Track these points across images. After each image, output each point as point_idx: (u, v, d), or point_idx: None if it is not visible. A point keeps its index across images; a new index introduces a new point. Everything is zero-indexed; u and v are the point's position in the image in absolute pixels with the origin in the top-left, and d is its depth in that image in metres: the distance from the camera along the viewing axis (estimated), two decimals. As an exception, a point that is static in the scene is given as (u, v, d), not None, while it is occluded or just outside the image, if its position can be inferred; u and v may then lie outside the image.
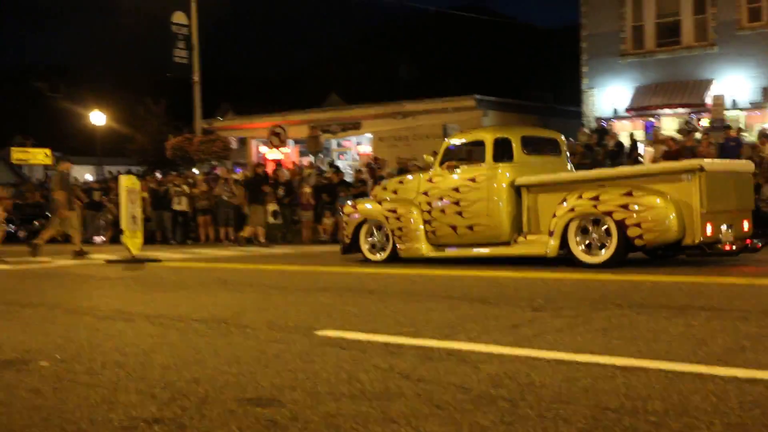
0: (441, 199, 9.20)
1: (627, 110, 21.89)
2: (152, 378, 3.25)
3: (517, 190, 8.72)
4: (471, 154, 9.51)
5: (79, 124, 40.94)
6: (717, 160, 8.74)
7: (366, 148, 27.67)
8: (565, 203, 7.99)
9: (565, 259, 8.09)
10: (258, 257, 11.82)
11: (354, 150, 28.57)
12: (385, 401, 2.73)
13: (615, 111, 22.21)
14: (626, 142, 17.61)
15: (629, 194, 7.60)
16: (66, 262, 11.61)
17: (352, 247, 9.97)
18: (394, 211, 9.57)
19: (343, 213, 10.35)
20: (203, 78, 23.80)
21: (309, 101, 37.36)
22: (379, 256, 9.70)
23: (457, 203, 9.07)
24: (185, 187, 18.43)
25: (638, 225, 7.52)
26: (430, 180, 9.41)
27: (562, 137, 9.76)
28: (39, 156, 28.19)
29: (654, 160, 14.16)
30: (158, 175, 25.44)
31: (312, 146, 20.06)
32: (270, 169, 20.71)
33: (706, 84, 20.85)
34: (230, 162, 28.25)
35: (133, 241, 11.59)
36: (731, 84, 20.57)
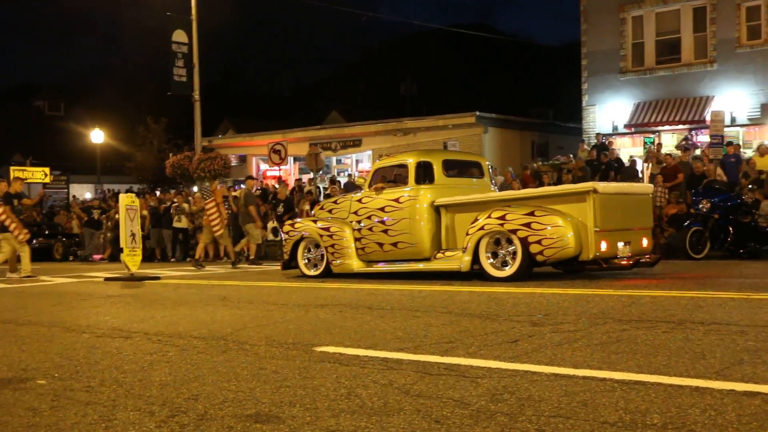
0: (369, 218, 9.78)
1: (626, 126, 22.00)
2: (151, 395, 3.26)
3: (437, 210, 9.32)
4: (398, 176, 10.01)
5: (80, 143, 41.14)
6: (612, 183, 9.28)
7: (366, 165, 27.76)
8: (476, 222, 8.58)
9: (477, 273, 8.63)
10: (256, 274, 11.82)
11: (355, 168, 28.64)
12: (384, 417, 2.74)
13: (615, 127, 22.32)
14: (625, 159, 17.72)
15: (532, 214, 8.19)
16: (64, 279, 11.64)
17: (291, 262, 10.62)
18: (328, 230, 10.18)
19: (283, 231, 10.94)
20: (204, 96, 23.93)
21: (310, 119, 37.60)
22: (314, 272, 10.33)
23: (383, 222, 9.65)
24: (185, 205, 18.49)
25: (539, 242, 8.08)
26: (360, 201, 10.00)
27: (486, 162, 10.46)
28: (38, 174, 28.26)
29: (650, 177, 14.22)
30: (158, 193, 25.54)
31: (312, 163, 20.14)
32: (269, 185, 20.76)
33: (706, 100, 20.98)
34: (230, 179, 28.31)
35: (132, 258, 11.61)
36: (730, 100, 20.69)
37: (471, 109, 24.37)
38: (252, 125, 35.88)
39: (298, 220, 11.19)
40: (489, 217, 8.51)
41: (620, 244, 8.29)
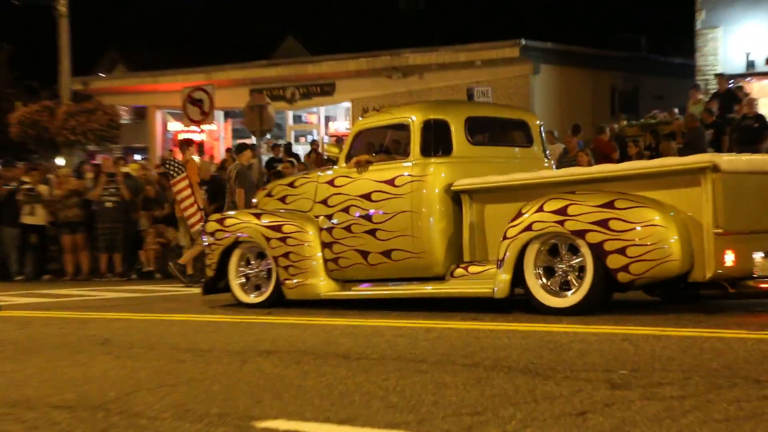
0: (347, 211, 9.90)
1: (770, 63, 22.04)
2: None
3: (456, 199, 9.39)
4: (394, 144, 10.17)
5: None
6: (746, 156, 9.34)
7: (343, 125, 27.75)
8: (519, 219, 8.63)
9: (521, 299, 8.77)
10: (160, 301, 11.82)
11: (324, 129, 28.67)
12: None
13: (750, 63, 22.35)
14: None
15: (610, 205, 8.22)
16: None
17: (218, 282, 10.77)
18: (279, 229, 10.26)
19: (205, 232, 11.05)
20: (76, 10, 23.91)
21: (250, 50, 37.49)
22: (255, 297, 10.49)
23: (368, 218, 9.74)
24: (42, 188, 18.43)
25: (622, 251, 8.10)
26: (332, 183, 10.11)
27: (536, 120, 10.60)
28: None
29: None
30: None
31: (254, 121, 20.10)
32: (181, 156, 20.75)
33: None
34: (119, 146, 28.30)
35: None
36: None
37: (513, 36, 24.43)
38: (155, 59, 35.79)
39: (231, 214, 11.38)
40: (540, 210, 8.55)
41: (758, 256, 8.30)
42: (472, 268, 9.19)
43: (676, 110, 19.29)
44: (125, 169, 19.10)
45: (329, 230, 10.05)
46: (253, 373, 5.79)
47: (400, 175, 9.59)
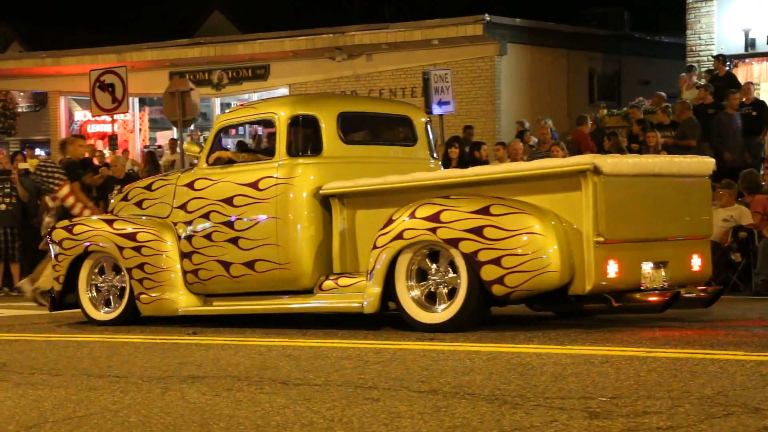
0: (207, 216, 10.18)
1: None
2: None
3: (326, 204, 9.71)
4: (261, 142, 10.20)
5: None
6: (632, 158, 9.89)
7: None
8: (390, 226, 8.98)
9: (394, 315, 9.14)
10: (72, 318, 11.72)
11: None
12: None
13: (750, 42, 22.40)
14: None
15: (486, 211, 8.56)
16: None
17: (65, 296, 11.02)
18: (134, 237, 10.56)
19: (51, 241, 11.33)
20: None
21: (170, 27, 37.21)
22: (106, 313, 10.78)
23: (230, 225, 10.04)
24: None
25: (497, 262, 8.44)
26: (191, 186, 10.38)
27: (422, 116, 11.06)
28: None
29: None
30: None
31: (176, 110, 19.99)
32: (93, 150, 20.56)
33: None
34: (16, 139, 27.93)
35: None
36: None
37: (475, 12, 24.54)
38: (57, 36, 35.44)
39: (81, 220, 11.73)
40: (412, 216, 8.89)
41: (647, 267, 8.68)
42: (342, 281, 9.50)
43: (663, 94, 19.38)
44: (24, 166, 18.86)
45: (189, 238, 10.29)
46: (177, 402, 5.78)
47: (265, 177, 9.84)
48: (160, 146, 26.83)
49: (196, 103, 20.12)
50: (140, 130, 29.15)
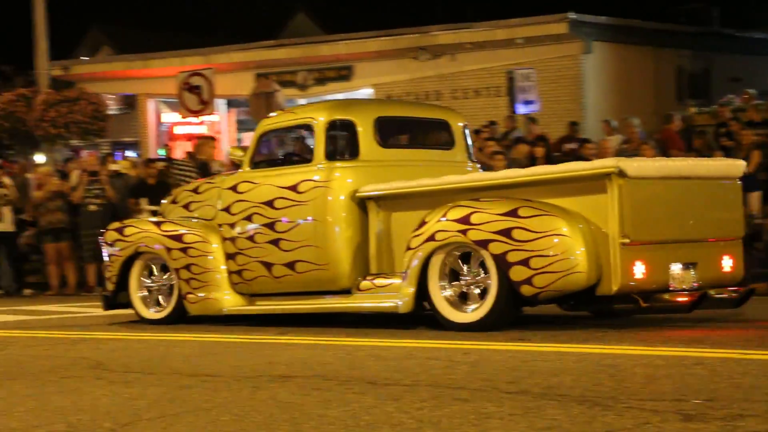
0: (250, 219, 10.50)
1: None
2: None
3: (362, 206, 9.98)
4: (300, 146, 10.88)
5: None
6: (658, 160, 10.07)
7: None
8: (422, 228, 9.22)
9: (427, 316, 9.38)
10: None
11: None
12: None
13: None
14: None
15: (514, 214, 8.79)
16: None
17: (118, 296, 11.40)
18: (180, 239, 10.88)
19: (104, 242, 11.68)
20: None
21: (255, 29, 37.52)
22: (155, 312, 11.13)
23: (271, 226, 10.32)
24: (5, 185, 18.40)
25: (526, 263, 8.65)
26: (235, 189, 10.70)
27: (460, 120, 11.15)
28: None
29: None
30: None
31: (262, 111, 20.16)
32: (182, 154, 20.80)
33: None
34: (107, 141, 28.39)
35: None
36: None
37: (560, 10, 24.37)
38: (146, 40, 35.95)
39: (132, 222, 12.13)
40: (444, 218, 9.10)
41: (676, 268, 8.83)
42: (379, 281, 9.77)
43: (753, 91, 19.06)
44: (114, 167, 19.15)
45: (233, 240, 10.59)
46: (267, 402, 5.82)
47: (304, 180, 10.13)
48: (246, 147, 27.07)
49: (282, 104, 20.28)
50: (227, 131, 29.42)
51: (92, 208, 17.49)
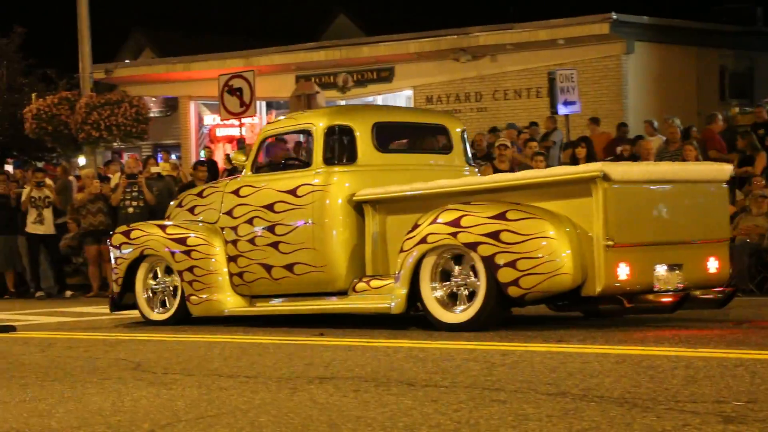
0: (251, 222, 10.76)
1: None
2: None
3: (359, 210, 10.23)
4: (301, 151, 11.12)
5: None
6: (643, 165, 10.43)
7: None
8: (415, 231, 9.47)
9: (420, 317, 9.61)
10: (201, 320, 11.94)
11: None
12: None
13: None
14: None
15: (502, 216, 9.04)
16: None
17: (124, 297, 11.70)
18: (184, 242, 11.14)
19: (111, 245, 12.01)
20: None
21: (296, 31, 37.62)
22: (159, 314, 11.41)
23: (271, 229, 10.58)
24: (47, 188, 18.51)
25: (513, 264, 8.90)
26: (237, 193, 10.99)
27: (459, 125, 11.47)
28: None
29: None
30: (9, 168, 25.71)
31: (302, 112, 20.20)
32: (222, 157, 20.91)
33: None
34: (148, 143, 28.56)
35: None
36: None
37: (602, 10, 24.26)
38: (187, 43, 36.15)
39: (138, 225, 12.32)
40: (435, 221, 9.34)
41: (661, 269, 9.07)
42: (374, 283, 10.00)
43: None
44: (156, 169, 19.24)
45: (234, 243, 10.87)
46: (305, 403, 5.83)
47: (303, 185, 10.39)
48: (288, 149, 27.13)
49: (322, 106, 20.29)
50: (267, 133, 29.49)
51: (130, 210, 17.59)
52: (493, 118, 23.69)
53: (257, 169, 11.05)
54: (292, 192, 10.43)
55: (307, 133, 10.86)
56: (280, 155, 12.24)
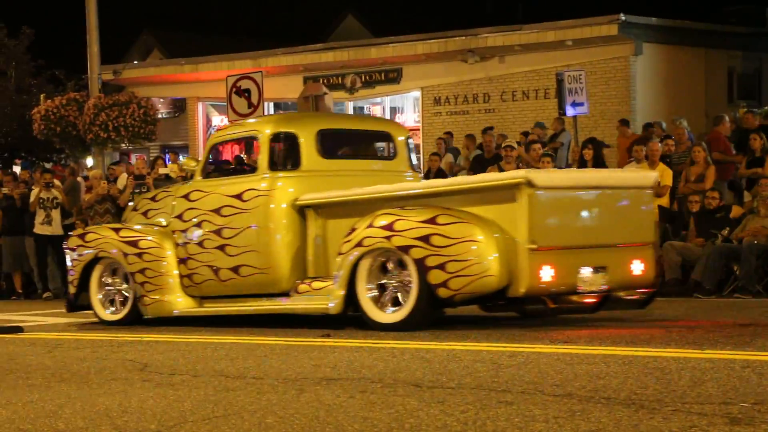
0: (200, 225, 11.19)
1: None
2: None
3: (302, 214, 10.64)
4: (249, 157, 11.46)
5: None
6: (567, 171, 10.96)
7: (410, 117, 27.73)
8: (352, 234, 9.87)
9: (355, 318, 9.91)
10: (210, 319, 11.95)
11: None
12: None
13: None
14: None
15: (433, 221, 9.42)
16: None
17: (79, 298, 12.09)
18: (136, 244, 11.55)
19: (67, 247, 12.40)
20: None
21: (304, 32, 37.64)
22: (112, 314, 11.79)
23: (219, 233, 10.99)
24: (55, 189, 18.53)
25: (442, 267, 9.28)
26: (187, 197, 11.41)
27: (403, 132, 11.91)
28: None
29: None
30: (17, 169, 25.74)
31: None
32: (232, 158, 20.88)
33: None
34: (156, 144, 28.58)
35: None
36: None
37: (610, 11, 24.23)
38: (195, 44, 36.18)
39: (93, 228, 12.96)
40: (371, 225, 9.73)
41: (585, 271, 9.46)
42: (316, 284, 10.41)
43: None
44: (164, 171, 19.25)
45: (185, 245, 11.26)
46: (312, 404, 5.84)
47: (249, 190, 10.78)
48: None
49: (330, 107, 20.27)
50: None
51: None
52: (501, 120, 23.72)
53: (207, 174, 11.44)
54: (239, 197, 10.80)
55: (254, 139, 11.23)
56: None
